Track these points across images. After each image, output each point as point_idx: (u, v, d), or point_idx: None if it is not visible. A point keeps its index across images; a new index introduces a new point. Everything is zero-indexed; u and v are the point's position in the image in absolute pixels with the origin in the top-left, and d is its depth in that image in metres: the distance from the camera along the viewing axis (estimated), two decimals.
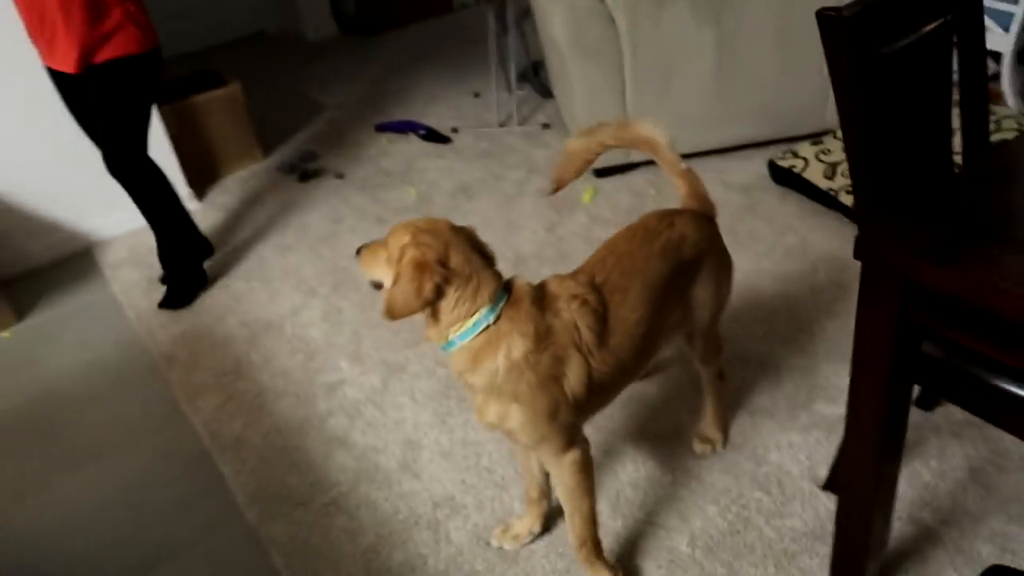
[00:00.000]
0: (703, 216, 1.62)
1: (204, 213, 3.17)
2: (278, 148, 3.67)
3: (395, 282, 1.30)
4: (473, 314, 1.32)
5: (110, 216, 3.03)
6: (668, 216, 1.57)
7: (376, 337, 2.32)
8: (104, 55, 2.18)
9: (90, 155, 2.49)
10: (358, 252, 1.41)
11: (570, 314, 1.37)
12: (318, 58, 4.81)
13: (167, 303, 2.58)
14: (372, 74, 4.45)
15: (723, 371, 1.80)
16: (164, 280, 2.67)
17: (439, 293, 1.30)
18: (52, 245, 2.99)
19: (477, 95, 3.91)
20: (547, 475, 1.61)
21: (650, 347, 1.51)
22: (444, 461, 1.89)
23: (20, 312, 2.68)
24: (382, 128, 3.71)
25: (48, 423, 2.20)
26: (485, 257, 1.37)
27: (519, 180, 3.09)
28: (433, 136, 3.53)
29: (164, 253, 2.61)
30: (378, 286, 1.39)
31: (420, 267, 1.28)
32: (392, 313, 1.30)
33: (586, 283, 1.42)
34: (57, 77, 2.29)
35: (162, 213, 2.52)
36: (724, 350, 1.78)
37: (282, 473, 1.91)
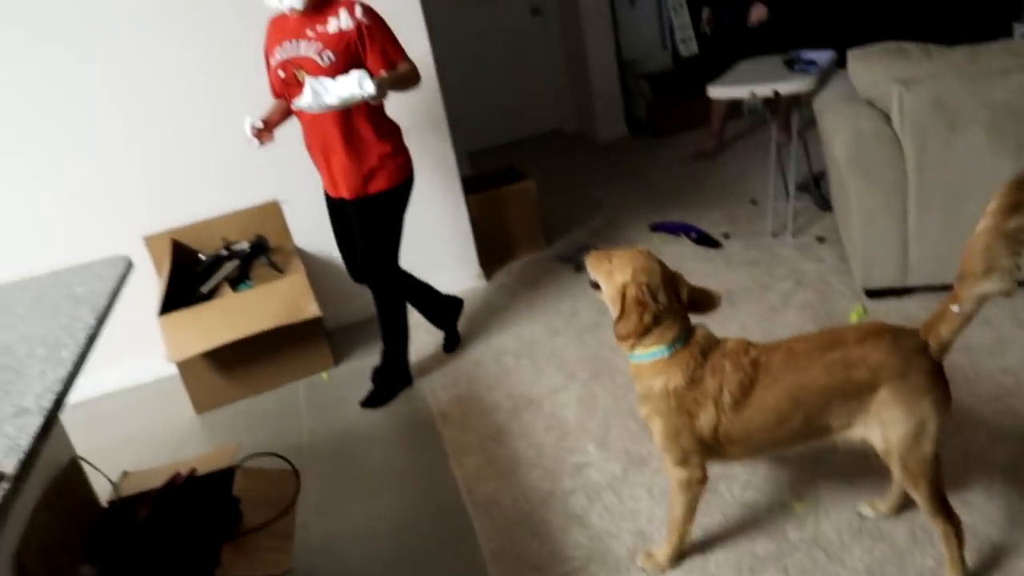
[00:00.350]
0: (912, 342, 1.59)
1: (489, 291, 3.59)
2: (560, 239, 4.05)
3: (620, 315, 1.68)
4: (657, 344, 1.68)
5: None
6: (866, 333, 1.64)
7: (624, 427, 2.47)
8: (374, 187, 2.57)
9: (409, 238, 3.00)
10: (587, 253, 1.83)
11: (723, 375, 1.66)
12: (605, 157, 5.21)
13: (369, 402, 2.87)
14: (654, 175, 4.72)
15: (959, 530, 1.66)
16: (374, 378, 2.93)
17: (653, 325, 1.67)
18: (366, 307, 3.57)
19: (754, 202, 3.99)
20: None
21: (785, 437, 1.69)
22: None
23: (337, 358, 3.24)
24: (656, 228, 3.92)
25: (345, 455, 2.64)
26: (680, 301, 1.71)
27: (785, 292, 3.11)
28: (704, 240, 3.67)
29: (389, 353, 2.90)
30: (595, 285, 1.80)
31: (640, 305, 1.65)
32: (620, 339, 1.70)
33: (751, 358, 1.67)
34: (328, 196, 2.72)
35: (396, 319, 2.86)
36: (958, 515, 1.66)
37: (524, 538, 2.11)
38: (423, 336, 3.26)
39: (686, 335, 1.70)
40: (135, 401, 3.22)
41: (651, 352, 1.69)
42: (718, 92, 3.49)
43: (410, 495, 2.39)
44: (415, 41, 3.25)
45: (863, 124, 2.72)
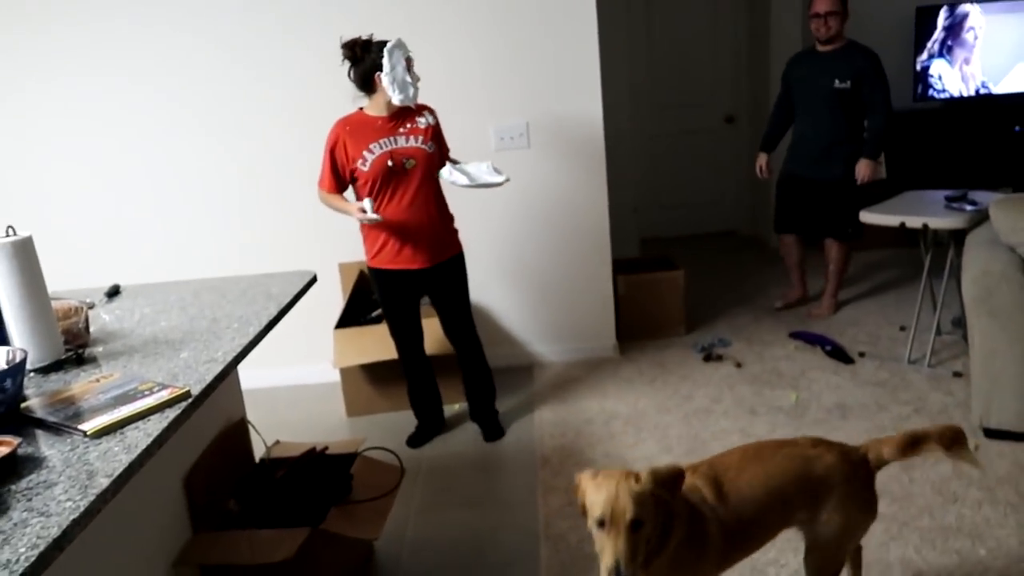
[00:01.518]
0: (856, 455, 1.84)
1: (619, 363, 3.90)
2: (700, 329, 4.27)
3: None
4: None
5: (547, 347, 3.97)
6: (816, 441, 1.85)
7: None
8: (455, 250, 3.07)
9: (537, 295, 3.40)
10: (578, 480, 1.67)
11: (697, 488, 1.73)
12: (771, 263, 5.34)
13: (494, 437, 3.28)
14: (812, 286, 4.80)
15: None
16: (490, 417, 3.33)
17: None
18: (512, 355, 4.01)
19: (903, 329, 4.00)
20: None
21: (771, 521, 1.80)
22: None
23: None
24: (795, 335, 4.04)
25: (453, 473, 3.04)
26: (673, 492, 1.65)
27: (901, 415, 3.15)
28: (837, 354, 3.75)
29: (492, 393, 3.34)
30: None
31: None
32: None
33: (706, 464, 1.82)
34: (397, 276, 3.00)
35: (486, 367, 3.29)
36: None
37: (579, 572, 2.37)
38: (547, 391, 3.62)
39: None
40: (302, 396, 3.84)
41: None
42: (871, 218, 3.62)
43: (496, 517, 2.72)
44: (591, 126, 3.73)
45: (992, 266, 2.78)
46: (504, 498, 2.85)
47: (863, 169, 4.04)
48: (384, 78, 2.77)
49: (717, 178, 6.28)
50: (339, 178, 2.91)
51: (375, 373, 3.51)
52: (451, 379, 3.45)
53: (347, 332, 3.48)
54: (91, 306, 2.20)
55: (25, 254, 1.76)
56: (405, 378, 3.28)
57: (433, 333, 3.29)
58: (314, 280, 2.54)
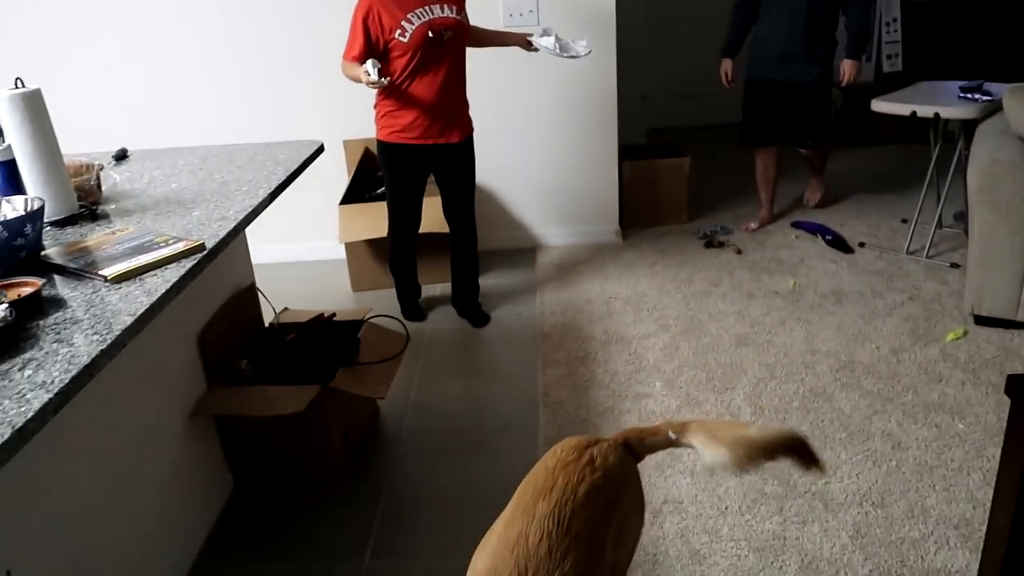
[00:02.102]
0: (623, 449, 1.45)
1: (621, 248, 3.95)
2: (702, 217, 4.29)
3: None
4: None
5: (553, 229, 4.00)
6: (588, 446, 1.42)
7: (693, 376, 2.77)
8: (471, 130, 3.07)
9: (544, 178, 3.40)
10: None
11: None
12: (786, 153, 5.29)
13: (482, 322, 3.29)
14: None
15: None
16: (474, 305, 3.35)
17: None
18: (517, 237, 4.05)
19: (904, 221, 4.02)
20: None
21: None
22: (686, 477, 2.27)
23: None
24: (797, 225, 4.07)
25: (458, 347, 3.16)
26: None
27: (895, 302, 3.22)
28: (837, 244, 3.79)
29: (476, 279, 3.35)
30: None
31: None
32: None
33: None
34: (415, 150, 2.96)
35: (475, 258, 3.30)
36: None
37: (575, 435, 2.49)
38: (550, 272, 3.68)
39: None
40: (308, 271, 3.90)
41: None
42: (882, 107, 3.58)
43: (498, 387, 2.83)
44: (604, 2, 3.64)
45: (1000, 155, 2.78)
46: (505, 369, 2.96)
47: (849, 69, 3.75)
48: None
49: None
50: (371, 49, 2.78)
51: (379, 249, 3.55)
52: (429, 259, 3.49)
53: (352, 208, 3.51)
54: (101, 167, 2.22)
55: (35, 106, 1.77)
56: (391, 253, 3.28)
57: (428, 215, 3.30)
58: (321, 149, 2.55)
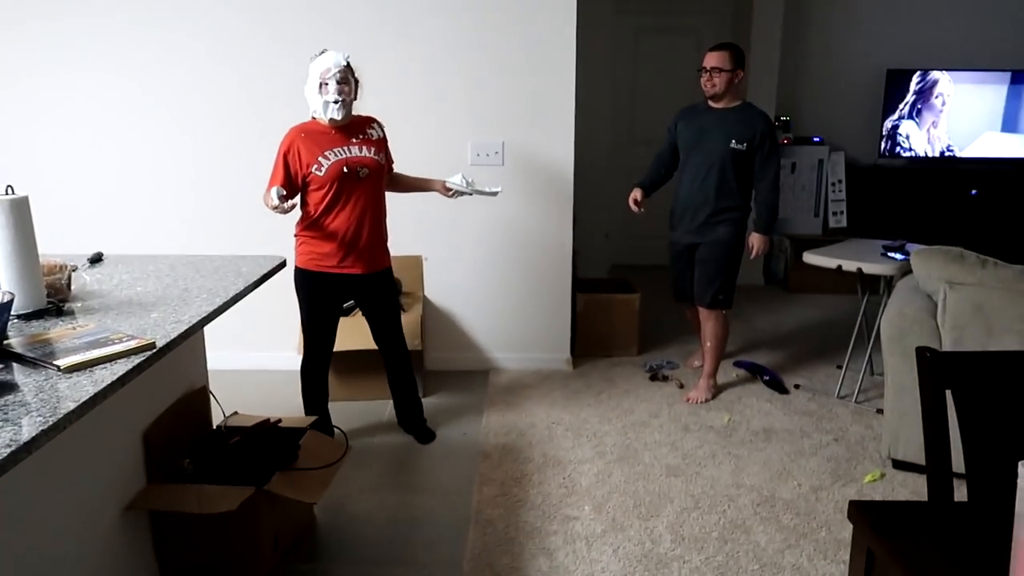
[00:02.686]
0: None
1: (570, 376, 4.13)
2: (653, 350, 4.51)
3: None
4: None
5: (505, 354, 4.19)
6: None
7: (621, 503, 2.88)
8: (387, 263, 3.25)
9: (500, 304, 3.62)
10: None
11: None
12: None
13: (427, 439, 3.42)
14: (766, 321, 5.07)
15: None
16: (420, 422, 3.47)
17: None
18: (471, 359, 4.23)
19: (839, 367, 4.24)
20: None
21: None
22: None
23: (426, 392, 3.87)
24: (738, 364, 4.29)
25: (399, 461, 3.25)
26: None
27: (820, 443, 3.38)
28: (774, 385, 3.99)
29: (415, 403, 3.47)
30: None
31: None
32: None
33: None
34: (332, 279, 3.11)
35: (413, 379, 3.46)
36: None
37: (500, 553, 2.57)
38: (500, 394, 3.83)
39: None
40: (266, 379, 4.03)
41: None
42: (813, 259, 3.88)
43: (434, 501, 2.92)
44: (563, 151, 3.98)
45: (908, 309, 3.03)
46: (443, 485, 3.06)
47: (757, 243, 3.74)
48: (306, 91, 2.98)
49: None
50: (290, 182, 3.01)
51: (339, 362, 3.71)
52: (382, 376, 3.64)
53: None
54: (74, 268, 2.40)
55: (20, 212, 1.97)
56: (303, 377, 3.35)
57: (361, 333, 3.48)
58: (283, 264, 2.75)
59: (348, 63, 2.97)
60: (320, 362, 3.33)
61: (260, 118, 3.93)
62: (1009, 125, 6.06)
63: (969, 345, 2.87)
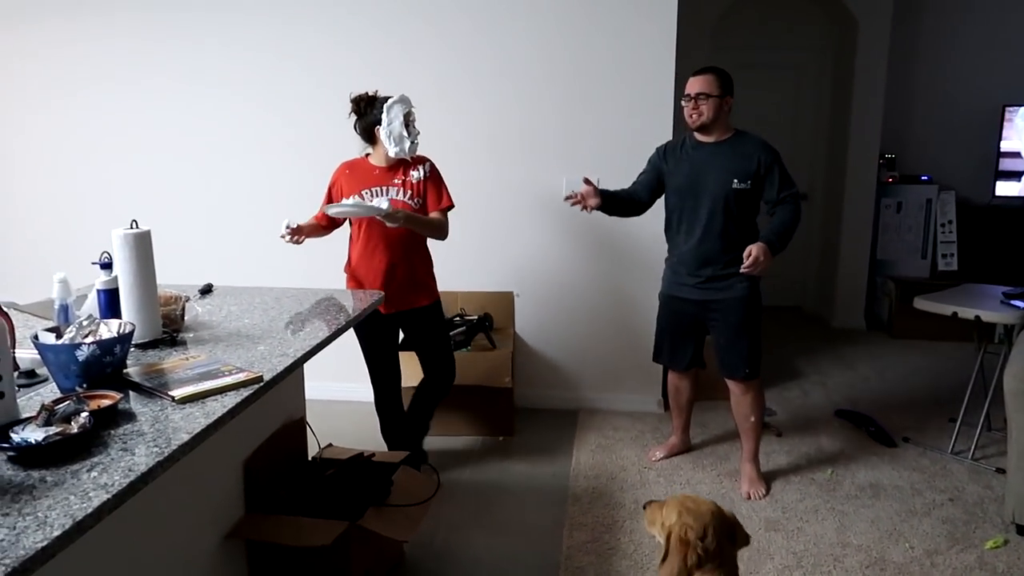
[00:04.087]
0: None
1: (662, 419, 4.01)
2: None
3: (665, 555, 1.74)
4: None
5: (595, 394, 4.13)
6: None
7: None
8: (432, 297, 3.24)
9: (591, 344, 3.57)
10: (645, 507, 1.91)
11: None
12: (831, 340, 5.38)
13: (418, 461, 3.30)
14: (870, 367, 4.83)
15: None
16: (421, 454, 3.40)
17: (696, 566, 1.71)
18: (561, 398, 4.18)
19: (953, 421, 3.98)
20: None
21: None
22: None
23: (516, 430, 3.84)
24: (840, 413, 4.08)
25: (489, 498, 3.21)
26: (733, 542, 1.77)
27: (934, 502, 3.17)
28: (880, 436, 3.78)
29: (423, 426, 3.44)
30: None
31: (684, 546, 1.72)
32: None
33: None
34: (381, 318, 3.15)
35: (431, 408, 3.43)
36: None
37: None
38: (589, 435, 3.76)
39: None
40: (358, 410, 4.06)
41: None
42: (924, 305, 3.68)
43: (522, 543, 2.88)
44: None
45: None
46: (531, 526, 3.01)
47: (756, 250, 3.01)
48: (382, 131, 3.03)
49: (787, 253, 6.32)
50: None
51: None
52: (503, 412, 3.64)
53: (407, 355, 3.72)
54: (187, 299, 2.49)
55: (143, 245, 2.07)
56: (377, 412, 3.40)
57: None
58: (381, 298, 2.79)
59: None
60: (385, 396, 3.37)
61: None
62: None
63: None
